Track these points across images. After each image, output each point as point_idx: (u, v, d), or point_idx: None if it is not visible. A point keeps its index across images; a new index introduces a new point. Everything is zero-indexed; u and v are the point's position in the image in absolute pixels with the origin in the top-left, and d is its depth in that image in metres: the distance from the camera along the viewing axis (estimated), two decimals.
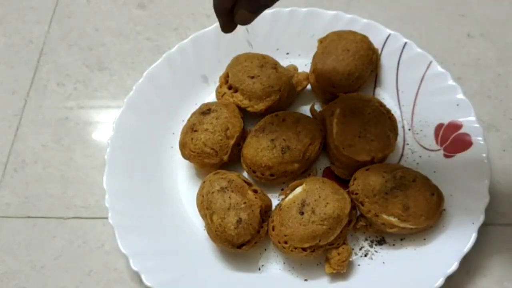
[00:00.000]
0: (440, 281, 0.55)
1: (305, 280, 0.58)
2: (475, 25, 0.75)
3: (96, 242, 0.64)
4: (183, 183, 0.65)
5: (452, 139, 0.63)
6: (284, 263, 0.60)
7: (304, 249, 0.56)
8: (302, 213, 0.56)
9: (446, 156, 0.63)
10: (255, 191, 0.59)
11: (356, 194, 0.58)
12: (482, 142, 0.62)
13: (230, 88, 0.66)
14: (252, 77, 0.65)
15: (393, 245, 0.59)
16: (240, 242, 0.57)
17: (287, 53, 0.72)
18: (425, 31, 0.75)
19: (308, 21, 0.72)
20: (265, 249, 0.60)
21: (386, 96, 0.68)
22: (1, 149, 0.70)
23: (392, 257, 0.58)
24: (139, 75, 0.70)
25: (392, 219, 0.57)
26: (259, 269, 0.59)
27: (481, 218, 0.57)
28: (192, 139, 0.62)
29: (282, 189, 0.62)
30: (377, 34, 0.70)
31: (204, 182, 0.60)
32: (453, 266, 0.55)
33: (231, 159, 0.63)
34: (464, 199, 0.59)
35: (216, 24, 0.72)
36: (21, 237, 0.64)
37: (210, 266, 0.59)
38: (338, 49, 0.66)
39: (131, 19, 0.80)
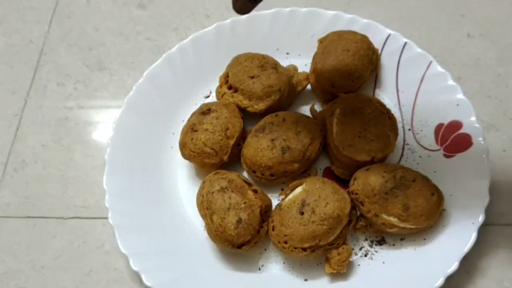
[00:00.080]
0: (440, 281, 0.55)
1: (305, 280, 0.58)
2: (475, 25, 0.75)
3: (96, 242, 0.64)
4: (183, 183, 0.65)
5: (452, 139, 0.63)
6: (284, 263, 0.60)
7: (304, 249, 0.56)
8: (302, 213, 0.56)
9: (446, 156, 0.63)
10: (255, 191, 0.59)
11: (356, 194, 0.58)
12: (482, 142, 0.62)
13: (230, 88, 0.66)
14: (252, 77, 0.65)
15: (393, 245, 0.59)
16: (240, 242, 0.57)
17: (287, 53, 0.72)
18: (425, 31, 0.75)
19: (308, 21, 0.72)
20: (265, 249, 0.60)
21: (386, 96, 0.68)
22: (1, 149, 0.70)
23: (392, 257, 0.58)
24: (139, 75, 0.70)
25: (392, 219, 0.57)
26: (259, 269, 0.59)
27: (481, 218, 0.57)
28: (192, 139, 0.62)
29: (282, 189, 0.62)
30: (377, 34, 0.69)
31: (204, 182, 0.60)
32: (453, 266, 0.55)
33: (231, 159, 0.63)
34: (464, 199, 0.59)
35: (216, 24, 0.72)
36: (21, 237, 0.64)
37: (210, 266, 0.59)
38: (338, 49, 0.66)
39: (131, 19, 0.80)
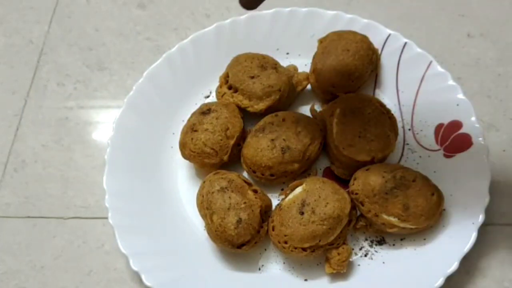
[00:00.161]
0: (440, 281, 0.55)
1: (305, 280, 0.58)
2: (475, 25, 0.75)
3: (96, 242, 0.64)
4: (183, 183, 0.65)
5: (452, 139, 0.63)
6: (284, 263, 0.60)
7: (304, 249, 0.56)
8: (302, 213, 0.56)
9: (446, 156, 0.63)
10: (255, 191, 0.59)
11: (356, 194, 0.58)
12: (482, 142, 0.62)
13: (230, 88, 0.66)
14: (252, 77, 0.65)
15: (393, 245, 0.59)
16: (240, 242, 0.57)
17: (287, 53, 0.72)
18: (425, 31, 0.75)
19: (308, 21, 0.72)
20: (265, 249, 0.60)
21: (386, 96, 0.68)
22: (1, 149, 0.70)
23: (392, 257, 0.58)
24: (139, 75, 0.70)
25: (392, 219, 0.57)
26: (259, 269, 0.59)
27: (481, 218, 0.57)
28: (192, 139, 0.62)
29: (282, 189, 0.62)
30: (377, 34, 0.69)
31: (204, 182, 0.60)
32: (453, 266, 0.55)
33: (231, 159, 0.63)
34: (464, 199, 0.59)
35: (216, 24, 0.72)
36: (21, 237, 0.64)
37: (210, 266, 0.59)
38: (338, 49, 0.66)
39: (131, 19, 0.80)
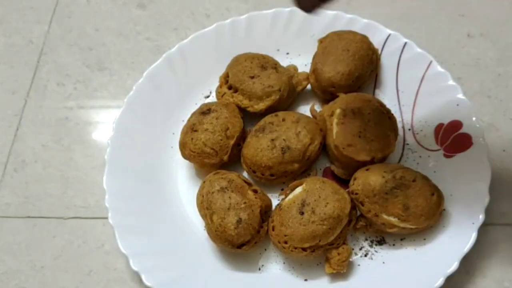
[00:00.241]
0: (440, 281, 0.55)
1: (305, 280, 0.58)
2: (475, 25, 0.75)
3: (96, 242, 0.64)
4: (183, 183, 0.65)
5: (452, 139, 0.63)
6: (284, 263, 0.60)
7: (304, 249, 0.56)
8: (302, 213, 0.56)
9: (446, 156, 0.63)
10: (255, 191, 0.59)
11: (356, 194, 0.58)
12: (482, 142, 0.62)
13: (230, 88, 0.66)
14: (252, 77, 0.65)
15: (393, 245, 0.59)
16: (240, 242, 0.57)
17: (287, 53, 0.72)
18: (425, 31, 0.75)
19: (308, 21, 0.72)
20: (265, 249, 0.60)
21: (386, 96, 0.68)
22: (1, 149, 0.70)
23: (392, 257, 0.58)
24: (139, 75, 0.70)
25: (392, 219, 0.57)
26: (259, 269, 0.59)
27: (481, 218, 0.57)
28: (192, 139, 0.62)
29: (282, 189, 0.62)
30: (377, 34, 0.70)
31: (204, 182, 0.60)
32: (453, 266, 0.55)
33: (231, 159, 0.63)
34: (464, 199, 0.59)
35: (216, 24, 0.72)
36: (21, 237, 0.64)
37: (210, 266, 0.59)
38: (338, 49, 0.66)
39: (131, 19, 0.80)
